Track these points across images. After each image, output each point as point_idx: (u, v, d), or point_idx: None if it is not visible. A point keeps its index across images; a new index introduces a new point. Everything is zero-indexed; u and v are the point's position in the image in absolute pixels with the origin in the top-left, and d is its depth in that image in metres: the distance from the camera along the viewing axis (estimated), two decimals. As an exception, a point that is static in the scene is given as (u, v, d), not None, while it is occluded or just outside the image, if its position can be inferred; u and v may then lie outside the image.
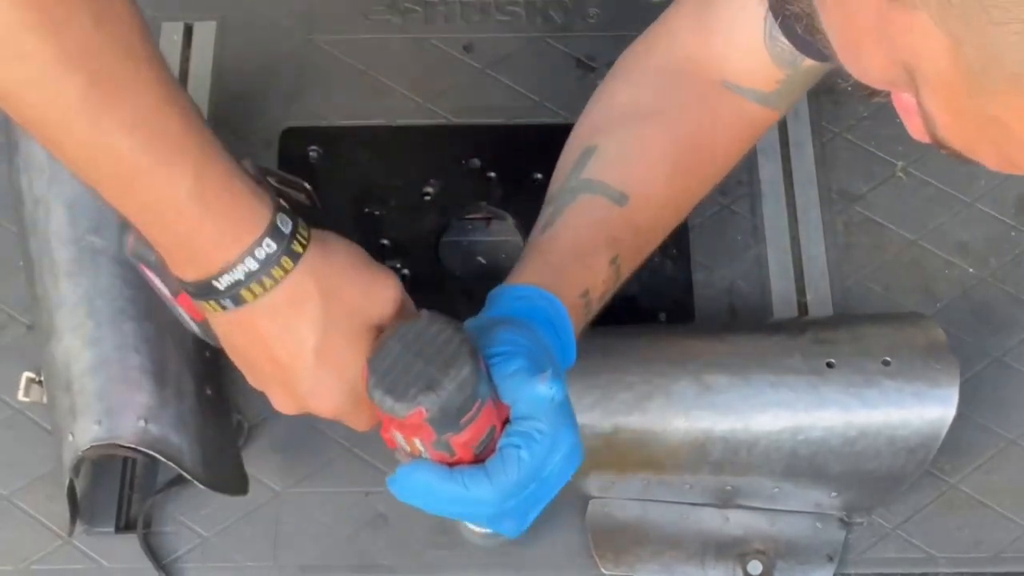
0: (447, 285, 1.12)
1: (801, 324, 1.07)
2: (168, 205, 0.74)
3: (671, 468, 1.00)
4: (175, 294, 0.81)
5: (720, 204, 1.16)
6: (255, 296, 0.77)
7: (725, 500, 1.02)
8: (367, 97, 1.22)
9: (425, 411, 0.76)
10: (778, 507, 1.02)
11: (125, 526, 1.02)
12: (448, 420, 0.77)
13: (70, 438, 0.96)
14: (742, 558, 1.01)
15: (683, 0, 0.98)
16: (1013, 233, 1.16)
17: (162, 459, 0.96)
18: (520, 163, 1.15)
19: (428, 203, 1.15)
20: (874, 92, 0.65)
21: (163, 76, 0.73)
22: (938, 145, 0.62)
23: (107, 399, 0.97)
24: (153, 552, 1.01)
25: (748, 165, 1.16)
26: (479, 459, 0.80)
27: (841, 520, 1.02)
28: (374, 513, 1.04)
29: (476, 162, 1.17)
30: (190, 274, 0.78)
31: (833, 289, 1.13)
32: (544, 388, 0.79)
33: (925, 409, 0.97)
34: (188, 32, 1.24)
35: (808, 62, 0.93)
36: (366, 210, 1.15)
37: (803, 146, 1.19)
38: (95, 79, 0.69)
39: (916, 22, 0.56)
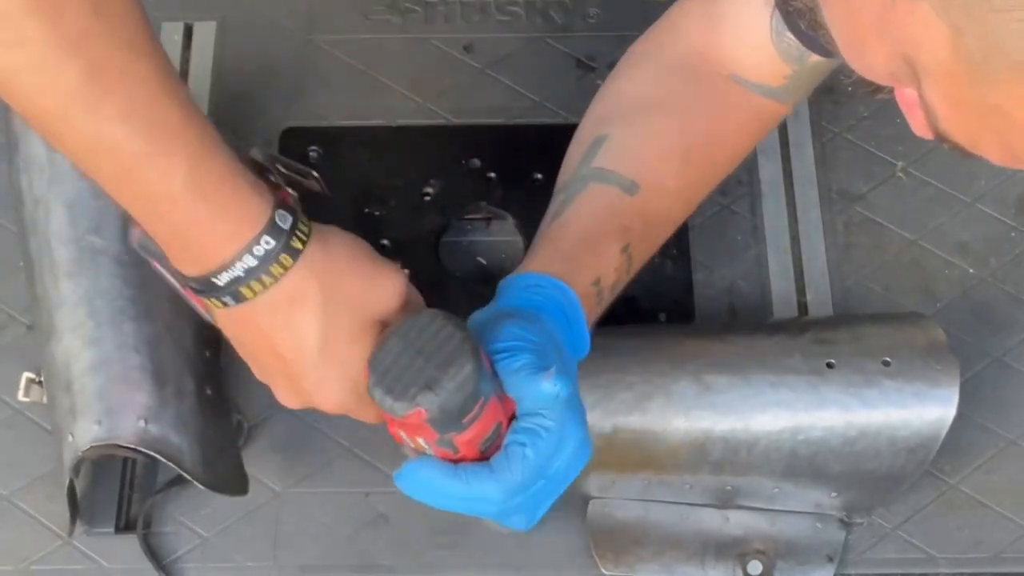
0: (447, 285, 1.12)
1: (801, 324, 1.06)
2: (163, 195, 0.74)
3: (671, 468, 0.99)
4: (183, 286, 0.81)
5: (720, 204, 1.16)
6: (255, 294, 0.77)
7: (725, 500, 1.02)
8: (367, 97, 1.22)
9: (425, 411, 0.75)
10: (778, 507, 1.02)
11: (125, 526, 1.02)
12: (449, 419, 0.77)
13: (70, 438, 0.96)
14: (742, 558, 1.01)
15: None
16: (1013, 233, 1.16)
17: (162, 459, 0.96)
18: (520, 163, 1.15)
19: (428, 203, 1.15)
20: (877, 89, 0.65)
21: (163, 67, 0.73)
22: (941, 140, 0.62)
23: (107, 399, 0.97)
24: (153, 552, 1.01)
25: (748, 165, 1.16)
26: (486, 455, 0.79)
27: (841, 520, 1.02)
28: (374, 513, 1.03)
29: (476, 162, 1.17)
30: (190, 270, 0.78)
31: (833, 289, 1.13)
32: (549, 385, 0.78)
33: (925, 409, 0.97)
34: (188, 32, 1.24)
35: (815, 58, 0.93)
36: (366, 210, 1.14)
37: (803, 146, 1.19)
38: (93, 66, 0.70)
39: (917, 13, 0.56)
